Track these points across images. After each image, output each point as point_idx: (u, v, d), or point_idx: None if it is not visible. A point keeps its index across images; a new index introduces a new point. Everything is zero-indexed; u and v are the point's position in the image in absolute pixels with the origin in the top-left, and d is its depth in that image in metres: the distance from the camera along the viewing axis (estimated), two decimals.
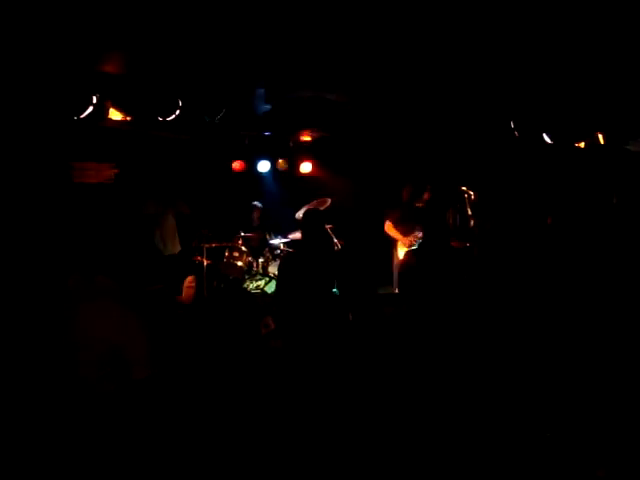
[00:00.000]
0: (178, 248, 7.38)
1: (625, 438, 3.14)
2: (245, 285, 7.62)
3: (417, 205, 6.95)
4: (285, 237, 8.02)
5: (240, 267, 7.62)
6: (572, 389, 3.71)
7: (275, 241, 8.02)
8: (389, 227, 6.95)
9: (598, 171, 6.68)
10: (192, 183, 7.79)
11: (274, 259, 7.84)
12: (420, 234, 6.54)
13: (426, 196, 6.95)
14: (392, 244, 7.11)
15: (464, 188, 7.03)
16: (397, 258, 6.95)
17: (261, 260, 7.83)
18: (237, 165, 8.39)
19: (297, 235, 7.66)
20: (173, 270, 6.92)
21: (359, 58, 5.09)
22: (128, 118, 5.66)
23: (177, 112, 5.62)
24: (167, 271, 6.74)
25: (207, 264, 7.45)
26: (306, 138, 8.31)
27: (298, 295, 4.49)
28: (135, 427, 2.44)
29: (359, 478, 3.15)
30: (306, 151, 8.62)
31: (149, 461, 2.50)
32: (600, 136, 6.35)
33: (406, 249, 6.58)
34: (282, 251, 7.83)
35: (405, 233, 6.85)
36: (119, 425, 2.40)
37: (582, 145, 6.59)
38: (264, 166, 8.51)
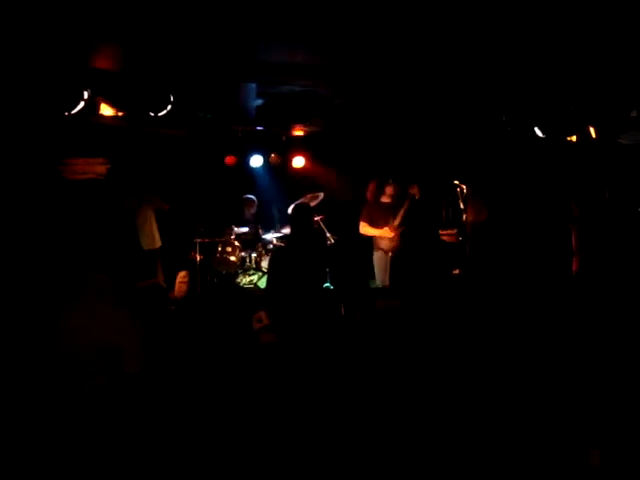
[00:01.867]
0: (158, 243, 7.34)
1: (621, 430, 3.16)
2: (238, 280, 7.63)
3: (384, 201, 6.97)
4: (278, 232, 8.02)
5: (233, 262, 7.62)
6: (569, 385, 3.73)
7: (268, 236, 8.02)
8: (365, 227, 6.95)
9: (590, 165, 6.70)
10: (185, 178, 7.78)
11: (267, 254, 7.84)
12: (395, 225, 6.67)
13: (389, 190, 6.95)
14: (372, 242, 7.10)
15: (456, 182, 7.05)
16: (378, 254, 6.95)
17: (254, 255, 7.84)
18: (229, 160, 8.37)
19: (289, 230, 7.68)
20: (155, 265, 6.94)
21: (352, 53, 5.09)
22: (120, 114, 5.64)
23: (169, 107, 5.59)
24: (151, 266, 6.75)
25: (200, 259, 7.46)
26: (299, 133, 8.30)
27: (288, 289, 4.51)
28: (127, 423, 2.45)
29: (357, 477, 3.17)
30: (299, 145, 8.60)
31: (141, 457, 2.51)
32: (592, 130, 6.36)
33: (387, 243, 6.65)
34: (275, 246, 7.83)
35: (382, 228, 6.87)
36: (110, 422, 2.40)
37: (574, 139, 6.60)
38: (257, 161, 8.48)
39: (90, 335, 2.36)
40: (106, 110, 5.56)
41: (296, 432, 3.52)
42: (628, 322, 3.94)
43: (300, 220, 4.54)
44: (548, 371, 3.76)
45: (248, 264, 7.81)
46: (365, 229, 6.93)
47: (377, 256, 6.93)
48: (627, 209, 6.07)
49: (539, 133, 6.19)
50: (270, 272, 4.70)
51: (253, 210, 8.26)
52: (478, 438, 3.27)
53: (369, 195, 7.04)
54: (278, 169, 8.73)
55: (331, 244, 7.40)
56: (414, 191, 6.76)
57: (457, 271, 5.80)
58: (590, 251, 5.34)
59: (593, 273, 4.90)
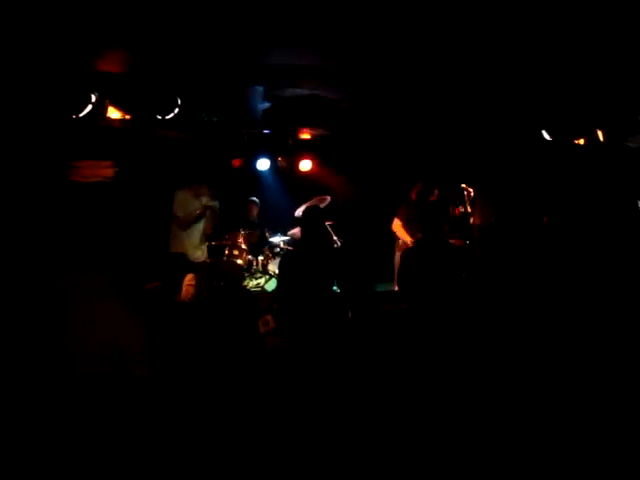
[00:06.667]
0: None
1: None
2: (245, 283, 7.62)
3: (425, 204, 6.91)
4: (285, 235, 8.01)
5: (240, 265, 7.61)
6: (571, 387, 3.71)
7: (275, 239, 8.01)
8: (398, 226, 6.84)
9: (598, 168, 6.67)
10: (191, 181, 7.76)
11: (274, 257, 7.83)
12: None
13: (435, 196, 6.87)
14: (393, 241, 7.07)
15: (463, 185, 7.03)
16: (397, 255, 6.93)
17: (261, 258, 7.83)
18: (236, 161, 8.36)
19: (296, 233, 7.66)
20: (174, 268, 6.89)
21: (361, 56, 5.08)
22: (127, 117, 5.65)
23: (176, 110, 5.60)
24: (168, 269, 6.71)
25: (207, 262, 7.45)
26: (306, 136, 8.29)
27: (298, 292, 4.50)
28: (133, 425, 2.44)
29: (359, 478, 3.16)
30: (306, 149, 8.60)
31: (147, 459, 2.51)
32: (600, 133, 6.34)
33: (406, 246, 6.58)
34: (282, 249, 7.82)
35: (413, 234, 6.71)
36: (117, 424, 2.40)
37: (581, 142, 6.58)
38: (263, 164, 8.46)
39: (96, 337, 2.36)
40: (114, 113, 5.58)
41: (300, 434, 3.51)
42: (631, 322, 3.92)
43: (312, 223, 4.52)
44: (552, 373, 3.73)
45: (255, 267, 7.80)
46: (398, 228, 6.82)
47: (396, 257, 6.88)
48: (632, 209, 6.05)
49: (547, 136, 6.17)
50: (280, 275, 4.68)
51: (256, 212, 8.25)
52: (479, 438, 3.26)
53: (414, 195, 6.91)
54: (284, 172, 8.73)
55: (338, 247, 7.39)
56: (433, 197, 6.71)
57: (464, 274, 5.79)
58: (597, 251, 5.31)
59: (601, 274, 4.88)
